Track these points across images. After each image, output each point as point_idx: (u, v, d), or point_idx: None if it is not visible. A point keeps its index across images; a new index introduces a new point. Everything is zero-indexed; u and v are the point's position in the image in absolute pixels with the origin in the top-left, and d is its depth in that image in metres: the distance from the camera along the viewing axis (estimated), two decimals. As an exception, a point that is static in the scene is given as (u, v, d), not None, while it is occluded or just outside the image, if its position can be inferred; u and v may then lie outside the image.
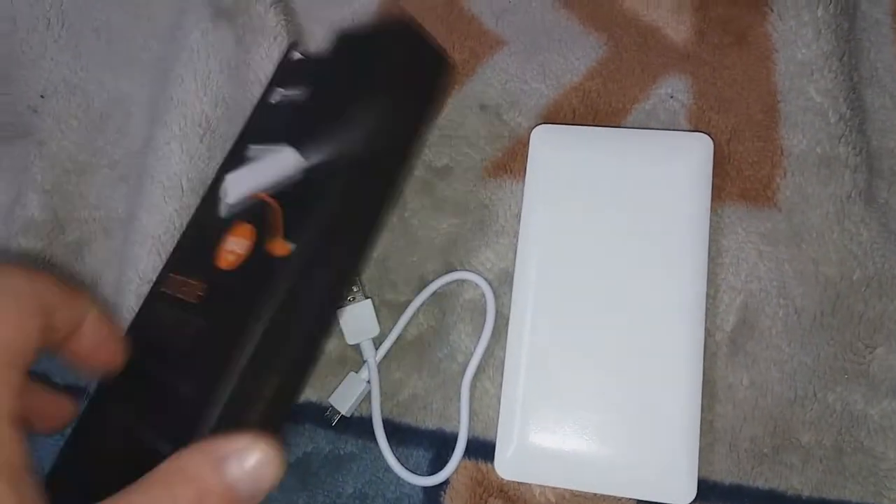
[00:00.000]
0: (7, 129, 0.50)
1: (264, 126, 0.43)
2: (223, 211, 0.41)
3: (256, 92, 0.49)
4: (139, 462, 0.27)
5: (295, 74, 0.45)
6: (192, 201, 0.44)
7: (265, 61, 0.49)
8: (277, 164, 0.39)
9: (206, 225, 0.41)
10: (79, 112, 0.50)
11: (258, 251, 0.36)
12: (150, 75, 0.50)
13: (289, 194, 0.37)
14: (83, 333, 0.31)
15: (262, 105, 0.45)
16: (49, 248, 0.47)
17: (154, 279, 0.42)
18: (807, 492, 0.42)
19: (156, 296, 0.41)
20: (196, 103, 0.48)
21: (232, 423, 0.32)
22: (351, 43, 0.42)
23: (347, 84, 0.39)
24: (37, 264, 0.47)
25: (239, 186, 0.41)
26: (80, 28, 0.52)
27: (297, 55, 0.46)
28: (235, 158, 0.43)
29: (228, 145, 0.45)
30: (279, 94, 0.44)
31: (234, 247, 0.38)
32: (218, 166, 0.43)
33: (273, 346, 0.34)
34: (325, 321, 0.36)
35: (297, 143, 0.38)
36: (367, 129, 0.37)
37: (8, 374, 0.26)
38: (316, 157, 0.37)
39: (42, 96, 0.50)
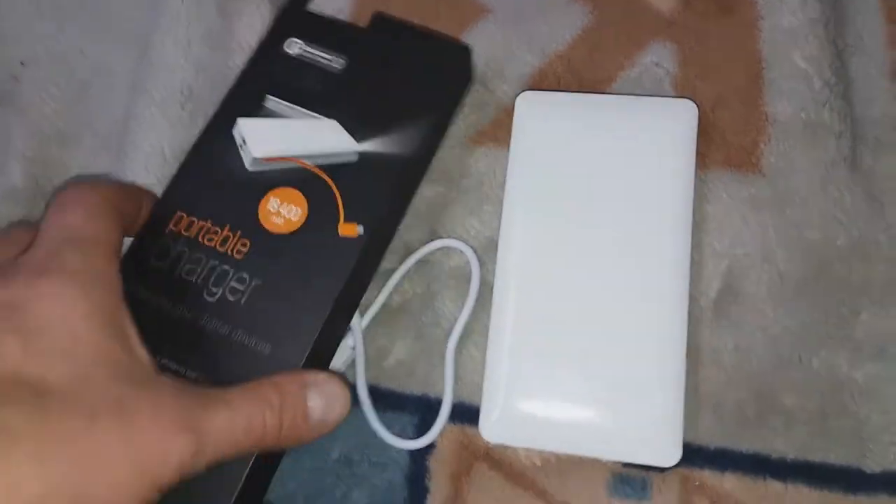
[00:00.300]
0: (-13, 96, 0.49)
1: (287, 81, 0.44)
2: (250, 163, 0.42)
3: (238, 60, 0.49)
4: None
5: (317, 32, 0.45)
6: (175, 170, 0.43)
7: (247, 29, 0.49)
8: (324, 137, 0.42)
9: (224, 170, 0.42)
10: (60, 81, 0.49)
11: (316, 224, 0.41)
12: (131, 44, 0.49)
13: (343, 175, 0.42)
14: (144, 215, 0.40)
15: (275, 52, 0.45)
16: (29, 215, 0.47)
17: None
18: (791, 454, 0.42)
19: (169, 234, 0.41)
20: (177, 70, 0.47)
21: None
22: (394, 32, 0.47)
23: (402, 84, 0.44)
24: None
25: (269, 142, 0.42)
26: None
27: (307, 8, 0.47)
28: (248, 102, 0.43)
29: (210, 112, 0.44)
30: (298, 47, 0.44)
31: (284, 211, 0.41)
32: (222, 103, 0.44)
33: (336, 318, 0.40)
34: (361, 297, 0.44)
35: (345, 122, 0.43)
36: (424, 136, 0.43)
37: (112, 265, 0.34)
38: (370, 146, 0.42)
39: (23, 64, 0.49)
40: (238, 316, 0.39)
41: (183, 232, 0.41)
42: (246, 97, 0.44)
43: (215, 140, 0.43)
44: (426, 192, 0.48)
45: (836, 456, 0.42)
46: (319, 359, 0.40)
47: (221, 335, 0.39)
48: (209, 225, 0.41)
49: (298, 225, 0.41)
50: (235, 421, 0.32)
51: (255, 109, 0.44)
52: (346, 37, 0.45)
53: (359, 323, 0.45)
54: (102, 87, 0.49)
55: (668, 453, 0.41)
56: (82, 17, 0.51)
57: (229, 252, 0.40)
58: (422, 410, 0.44)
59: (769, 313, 0.44)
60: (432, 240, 0.47)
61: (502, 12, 0.51)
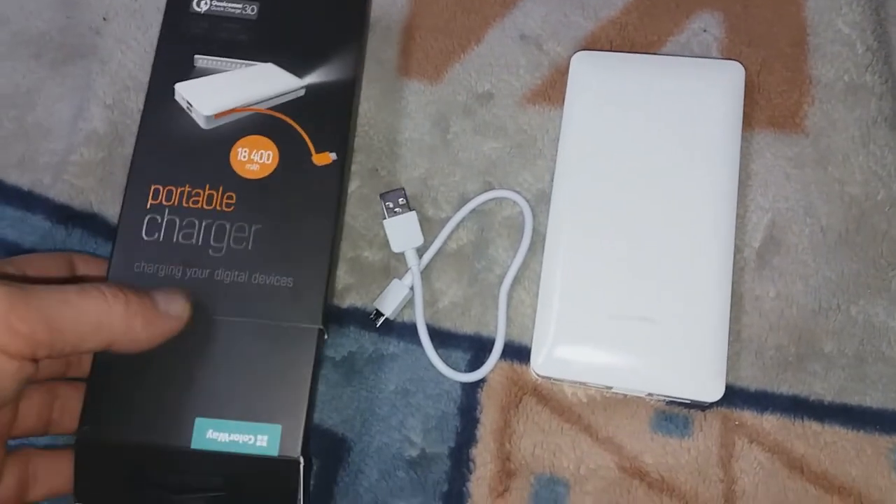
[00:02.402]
0: (71, 49, 0.52)
1: (208, 37, 0.45)
2: (204, 123, 0.44)
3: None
4: None
5: None
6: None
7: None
8: (268, 80, 0.45)
9: (181, 135, 0.44)
10: (138, 34, 0.52)
11: (292, 161, 0.43)
12: None
13: (298, 111, 0.44)
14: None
15: (186, 14, 0.46)
16: (109, 158, 0.50)
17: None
18: (829, 397, 0.44)
19: (152, 208, 0.42)
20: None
21: (325, 311, 0.41)
22: None
23: (317, 13, 0.46)
24: (97, 172, 0.49)
25: (216, 98, 0.44)
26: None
27: None
28: (178, 67, 0.45)
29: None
30: (206, 4, 0.46)
31: (256, 157, 0.43)
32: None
33: (336, 239, 0.43)
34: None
35: (279, 63, 0.45)
36: (355, 56, 0.46)
37: None
38: (312, 78, 0.45)
39: (104, 19, 0.53)
40: (251, 261, 0.42)
41: (164, 202, 0.42)
42: (174, 62, 0.45)
43: (159, 109, 0.44)
44: (481, 146, 0.50)
45: (872, 399, 0.44)
46: (333, 281, 0.44)
47: (241, 283, 0.41)
48: (188, 189, 0.43)
49: (274, 167, 0.43)
50: (82, 312, 0.33)
51: (188, 72, 0.44)
52: None
53: (417, 264, 0.47)
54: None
55: (711, 389, 0.43)
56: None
57: (218, 207, 0.42)
58: (474, 348, 0.47)
59: (810, 263, 0.46)
60: (487, 191, 0.49)
61: (557, -21, 0.53)
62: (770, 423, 0.44)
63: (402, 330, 0.47)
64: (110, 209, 0.49)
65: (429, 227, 0.49)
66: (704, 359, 0.43)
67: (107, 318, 0.34)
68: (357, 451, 0.45)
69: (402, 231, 0.48)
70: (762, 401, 0.45)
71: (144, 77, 0.51)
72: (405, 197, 0.49)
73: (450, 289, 0.48)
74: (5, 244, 0.48)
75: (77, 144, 0.50)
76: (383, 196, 0.48)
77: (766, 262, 0.46)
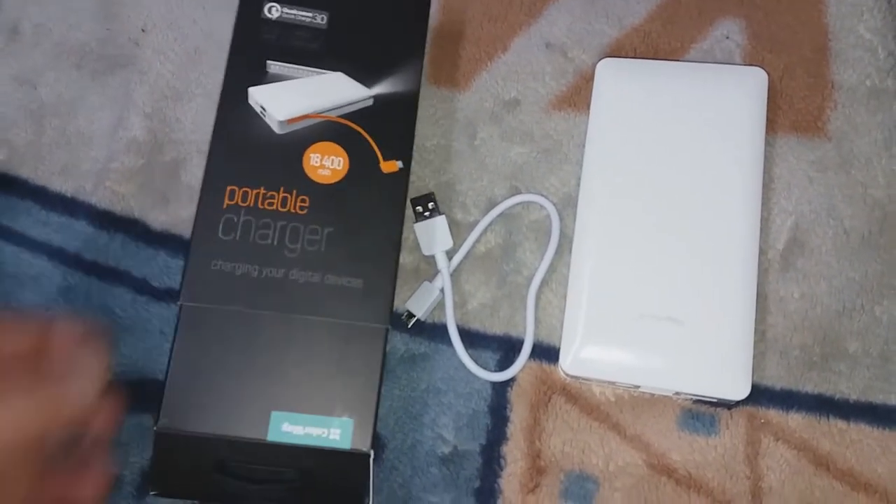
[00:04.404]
0: (111, 59, 0.54)
1: (280, 44, 0.47)
2: (278, 127, 0.45)
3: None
4: None
5: None
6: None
7: None
8: (338, 89, 0.46)
9: (255, 138, 0.45)
10: (175, 45, 0.54)
11: (361, 168, 0.45)
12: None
13: (367, 119, 0.46)
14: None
15: (257, 18, 0.48)
16: (148, 165, 0.51)
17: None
18: (854, 396, 0.45)
19: (228, 209, 0.44)
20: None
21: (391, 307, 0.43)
22: None
23: (383, 25, 0.48)
24: (137, 179, 0.51)
25: (289, 104, 0.46)
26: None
27: None
28: (251, 71, 0.46)
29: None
30: (278, 11, 0.48)
31: (327, 163, 0.45)
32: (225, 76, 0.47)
33: (399, 244, 0.45)
34: None
35: (347, 72, 0.47)
36: (417, 68, 0.48)
37: None
38: (379, 88, 0.47)
39: (143, 30, 0.54)
40: (323, 262, 0.43)
41: (240, 203, 0.44)
42: (247, 66, 0.46)
43: (234, 112, 0.45)
44: (508, 151, 0.51)
45: (897, 398, 0.45)
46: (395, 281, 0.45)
47: (315, 283, 0.43)
48: (263, 191, 0.44)
49: (344, 172, 0.45)
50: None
51: (261, 77, 0.46)
52: None
53: (447, 266, 0.49)
54: (212, 51, 0.54)
55: (738, 387, 0.44)
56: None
57: (292, 210, 0.44)
58: (504, 348, 0.48)
59: (834, 265, 0.47)
60: (514, 195, 0.50)
61: (581, -11, 0.55)
62: (796, 421, 0.45)
63: (432, 330, 0.48)
64: (150, 214, 0.50)
65: (457, 231, 0.50)
66: (731, 358, 0.44)
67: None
68: (391, 448, 0.46)
69: (432, 234, 0.49)
70: (787, 399, 0.45)
71: (182, 86, 0.53)
72: (435, 201, 0.50)
73: (478, 290, 0.49)
74: (51, 248, 0.50)
75: (118, 152, 0.52)
76: (413, 201, 0.50)
77: (790, 263, 0.47)
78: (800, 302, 0.47)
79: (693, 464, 0.45)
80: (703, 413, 0.46)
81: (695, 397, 0.45)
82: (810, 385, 0.46)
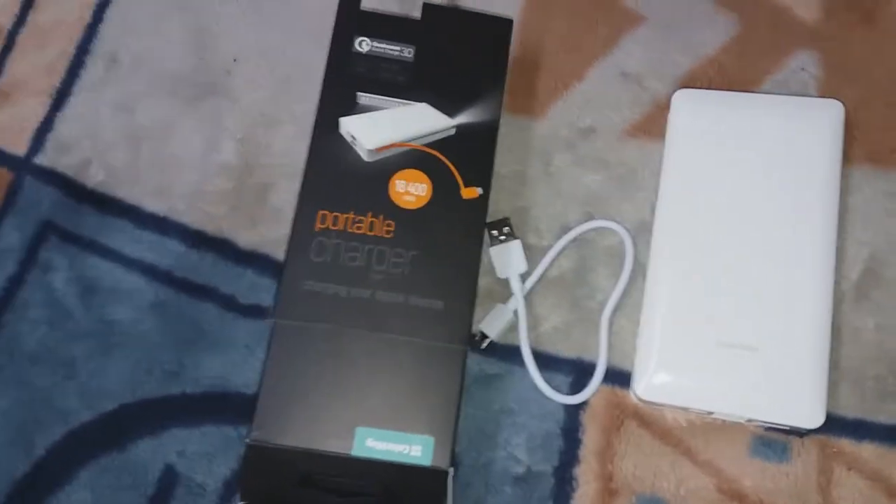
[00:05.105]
0: (204, 87, 0.57)
1: (370, 76, 0.49)
2: (367, 155, 0.48)
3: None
4: None
5: (379, 28, 0.50)
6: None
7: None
8: (423, 119, 0.49)
9: (345, 165, 0.48)
10: (266, 74, 0.57)
11: (444, 194, 0.47)
12: (324, 44, 0.56)
13: (449, 148, 0.48)
14: None
15: (349, 52, 0.50)
16: (239, 188, 0.54)
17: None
18: (929, 428, 0.45)
19: (320, 232, 0.46)
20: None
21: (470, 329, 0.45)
22: (445, 17, 0.52)
23: (466, 59, 0.50)
24: (227, 201, 0.54)
25: (378, 134, 0.48)
26: (262, 2, 0.59)
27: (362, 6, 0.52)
28: (342, 102, 0.49)
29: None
30: (368, 45, 0.50)
31: (412, 189, 0.47)
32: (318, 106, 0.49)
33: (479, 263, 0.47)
34: None
35: (432, 103, 0.49)
36: (497, 99, 0.49)
37: None
38: (462, 118, 0.49)
39: (235, 60, 0.57)
40: (408, 284, 0.45)
41: (331, 227, 0.46)
42: (339, 98, 0.49)
43: (326, 141, 0.48)
44: (582, 178, 0.53)
45: (974, 432, 0.45)
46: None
47: (398, 303, 0.45)
48: (353, 216, 0.47)
49: (428, 198, 0.47)
50: None
51: (352, 107, 0.49)
52: (406, 29, 0.50)
53: (521, 289, 0.50)
54: (300, 81, 0.57)
55: (812, 416, 0.44)
56: (282, 21, 0.58)
57: (379, 234, 0.46)
58: (576, 371, 0.49)
59: (910, 297, 0.47)
60: (587, 220, 0.52)
61: (656, 20, 0.56)
62: (868, 451, 0.45)
63: (504, 352, 0.50)
64: (239, 235, 0.53)
65: (530, 255, 0.51)
66: (805, 386, 0.44)
67: None
68: (465, 466, 0.47)
69: (507, 258, 0.51)
70: (860, 429, 0.46)
71: (273, 113, 0.56)
72: (510, 226, 0.52)
73: (551, 314, 0.50)
74: (143, 265, 0.52)
75: (210, 175, 0.54)
76: (489, 225, 0.51)
77: (865, 294, 0.48)
78: (874, 333, 0.47)
79: (765, 490, 0.45)
80: (774, 440, 0.46)
81: (767, 425, 0.46)
82: (884, 416, 0.46)
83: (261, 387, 0.43)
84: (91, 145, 0.55)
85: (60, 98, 0.56)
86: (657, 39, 0.55)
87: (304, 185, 0.47)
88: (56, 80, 0.57)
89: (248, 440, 0.42)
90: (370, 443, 0.42)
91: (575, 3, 0.57)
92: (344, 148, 0.48)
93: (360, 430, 0.42)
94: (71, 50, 0.58)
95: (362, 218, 0.47)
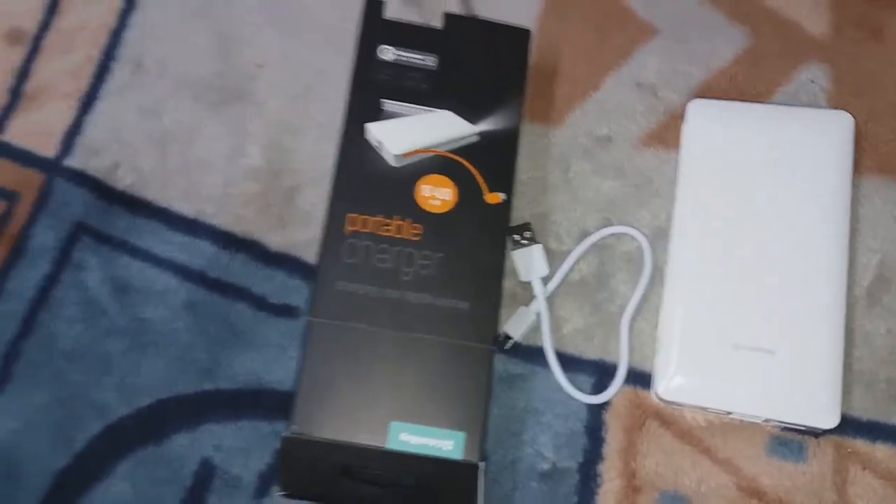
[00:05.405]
0: (228, 92, 0.58)
1: (394, 83, 0.51)
2: (393, 160, 0.49)
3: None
4: None
5: (402, 37, 0.52)
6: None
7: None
8: (447, 126, 0.50)
9: (372, 170, 0.49)
10: (290, 79, 0.58)
11: (468, 199, 0.48)
12: (345, 54, 0.58)
13: (473, 154, 0.49)
14: None
15: (373, 60, 0.52)
16: (266, 191, 0.55)
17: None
18: (940, 428, 0.47)
19: (351, 234, 0.48)
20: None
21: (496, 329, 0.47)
22: (466, 26, 0.53)
23: (487, 67, 0.52)
24: (256, 203, 0.55)
25: (403, 139, 0.49)
26: (284, 10, 0.60)
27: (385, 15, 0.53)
28: (368, 108, 0.50)
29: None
30: (392, 53, 0.51)
31: (437, 194, 0.48)
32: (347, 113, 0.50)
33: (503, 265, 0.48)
34: None
35: (455, 110, 0.50)
36: (519, 107, 0.51)
37: None
38: (485, 125, 0.50)
39: (259, 66, 0.59)
40: (435, 285, 0.47)
41: (361, 229, 0.48)
42: (365, 104, 0.50)
43: (354, 146, 0.49)
44: (600, 185, 0.54)
45: (982, 432, 0.46)
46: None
47: (426, 304, 0.46)
48: (382, 219, 0.48)
49: (453, 203, 0.48)
50: None
51: (377, 113, 0.50)
52: (428, 38, 0.52)
53: (543, 292, 0.52)
54: (323, 87, 0.58)
55: (828, 416, 0.46)
56: (303, 30, 0.60)
57: (407, 237, 0.48)
58: (598, 372, 0.50)
59: (920, 301, 0.49)
60: (607, 226, 0.53)
61: (669, 32, 0.58)
62: (882, 451, 0.47)
63: (527, 353, 0.51)
64: (268, 236, 0.54)
65: (551, 259, 0.53)
66: (820, 388, 0.46)
67: None
68: (493, 463, 0.49)
69: (529, 262, 0.52)
70: (874, 430, 0.47)
71: (296, 120, 0.57)
72: (532, 230, 0.53)
73: (572, 316, 0.52)
74: (175, 265, 0.53)
75: (237, 178, 0.55)
76: (511, 229, 0.53)
77: (877, 300, 0.49)
78: (886, 337, 0.49)
79: (783, 489, 0.47)
80: (791, 440, 0.48)
81: (784, 425, 0.47)
82: (896, 417, 0.47)
83: (298, 383, 0.44)
84: (119, 149, 0.56)
85: (88, 102, 0.57)
86: (671, 51, 0.57)
87: (333, 188, 0.49)
88: (82, 85, 0.57)
89: (287, 433, 0.43)
90: (404, 437, 0.43)
91: (590, 14, 0.59)
92: (371, 153, 0.49)
93: (395, 425, 0.43)
94: (96, 55, 0.58)
95: (390, 221, 0.48)
